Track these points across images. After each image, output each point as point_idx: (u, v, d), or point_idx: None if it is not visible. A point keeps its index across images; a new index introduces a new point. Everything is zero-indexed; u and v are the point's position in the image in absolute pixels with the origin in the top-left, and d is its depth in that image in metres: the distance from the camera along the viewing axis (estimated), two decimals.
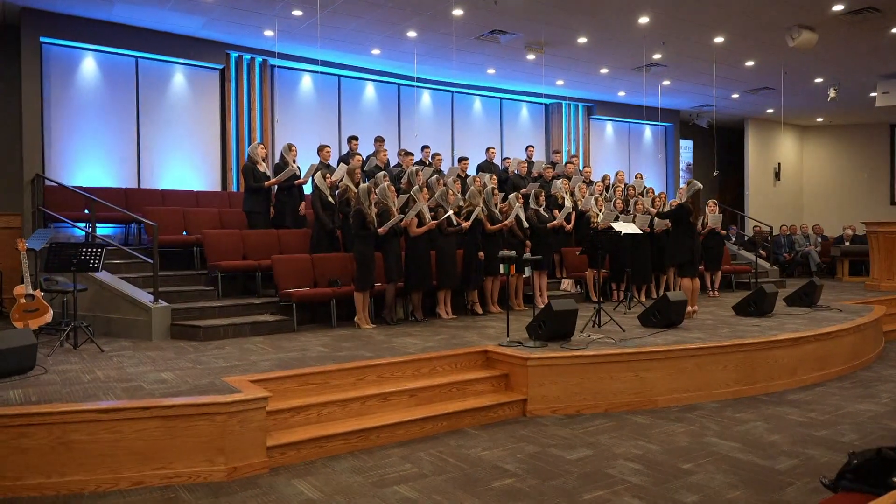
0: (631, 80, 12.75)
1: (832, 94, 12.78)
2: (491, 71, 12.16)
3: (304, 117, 11.68)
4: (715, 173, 12.97)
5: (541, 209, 9.42)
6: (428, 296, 8.28)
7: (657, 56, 11.10)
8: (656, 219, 10.10)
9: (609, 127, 15.42)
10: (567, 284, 10.24)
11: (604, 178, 11.89)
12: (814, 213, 18.01)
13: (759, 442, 4.82)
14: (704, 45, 10.42)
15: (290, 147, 8.91)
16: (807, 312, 8.41)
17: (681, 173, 16.45)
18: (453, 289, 8.40)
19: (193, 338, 6.67)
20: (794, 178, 18.23)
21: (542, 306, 9.33)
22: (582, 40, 10.30)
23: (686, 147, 17.01)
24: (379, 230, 7.45)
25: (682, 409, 5.75)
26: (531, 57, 11.04)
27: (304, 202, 9.05)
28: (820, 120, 17.17)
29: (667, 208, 10.73)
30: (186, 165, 10.70)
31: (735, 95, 14.07)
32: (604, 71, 12.15)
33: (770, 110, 15.79)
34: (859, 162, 18.16)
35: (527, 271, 6.36)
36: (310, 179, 8.94)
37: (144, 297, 6.97)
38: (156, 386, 4.67)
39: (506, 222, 8.65)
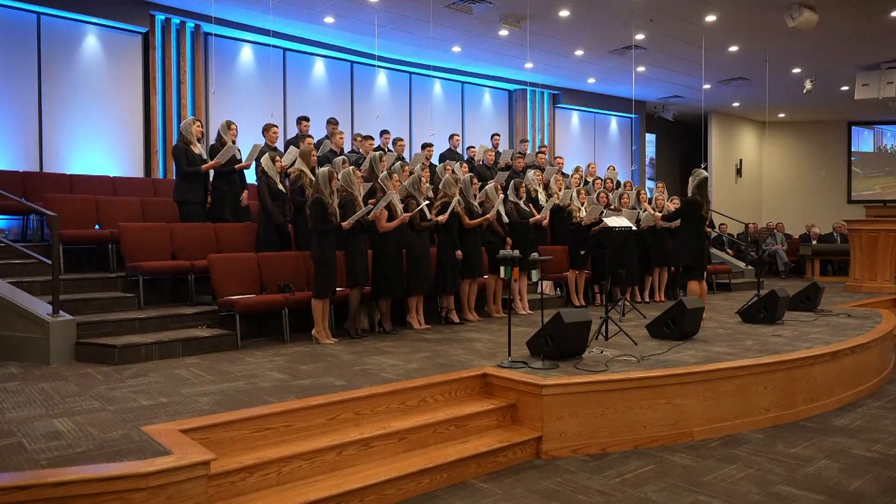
0: (605, 64, 11.82)
1: (808, 85, 12.23)
2: (456, 49, 10.96)
3: (242, 94, 10.18)
4: (702, 166, 12.17)
5: (521, 202, 8.29)
6: (395, 302, 7.02)
7: (640, 36, 10.17)
8: (642, 214, 9.16)
9: (575, 117, 14.49)
10: (546, 287, 9.17)
11: (576, 170, 10.92)
12: (772, 211, 17.68)
13: (844, 491, 3.83)
14: (694, 24, 9.55)
15: (228, 125, 7.46)
16: (814, 318, 7.62)
17: (646, 168, 15.74)
18: (426, 294, 7.17)
19: (106, 360, 5.20)
20: (755, 174, 17.85)
21: (523, 312, 8.29)
22: (564, 13, 9.23)
23: (649, 141, 16.32)
24: (343, 224, 6.15)
25: (723, 442, 4.74)
26: (504, 33, 9.92)
27: (245, 191, 7.62)
28: (782, 115, 16.80)
29: (651, 205, 9.86)
30: (101, 146, 9.05)
31: (707, 86, 13.37)
32: (579, 53, 11.15)
33: (736, 104, 15.24)
34: (817, 159, 17.95)
35: (534, 275, 5.20)
36: (253, 164, 7.55)
37: (41, 307, 5.44)
38: (44, 444, 3.26)
39: (488, 216, 7.49)
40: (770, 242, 15.05)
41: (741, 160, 17.16)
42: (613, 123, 15.23)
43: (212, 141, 7.66)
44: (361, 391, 4.27)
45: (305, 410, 3.95)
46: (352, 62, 11.29)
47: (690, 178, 7.07)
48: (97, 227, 7.20)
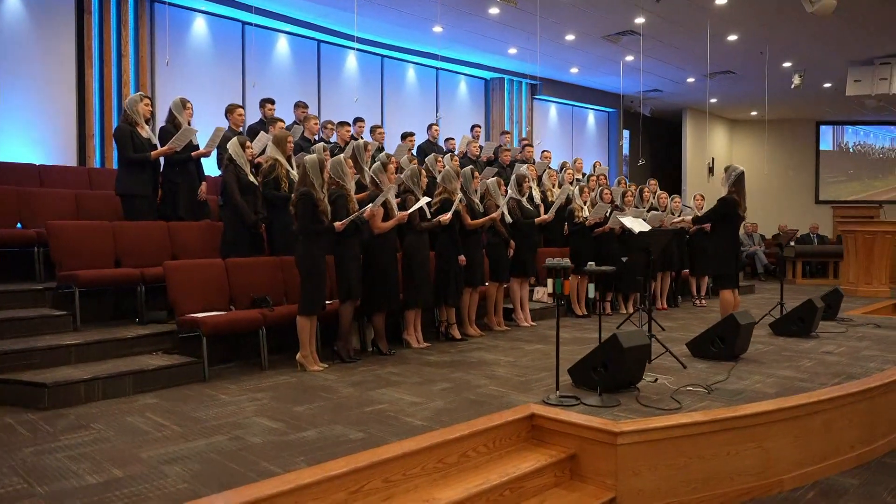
0: (593, 52, 11.01)
1: (797, 80, 11.75)
2: (437, 29, 9.89)
3: (194, 72, 8.87)
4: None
5: (523, 199, 7.33)
6: (388, 316, 5.94)
7: (640, 20, 9.37)
8: (647, 214, 8.35)
9: (553, 109, 13.67)
10: (542, 293, 8.26)
11: (563, 166, 10.07)
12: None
13: None
14: (701, 8, 8.79)
15: (183, 104, 6.22)
16: (844, 329, 6.95)
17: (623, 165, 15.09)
18: (427, 306, 6.13)
19: (33, 404, 3.94)
20: None
21: (526, 324, 7.33)
22: None
23: (623, 137, 15.70)
24: (336, 225, 5.04)
25: (819, 491, 3.90)
26: (494, 11, 8.94)
27: (204, 183, 6.39)
28: (754, 114, 16.46)
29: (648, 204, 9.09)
30: (25, 128, 7.60)
31: (691, 79, 12.76)
32: (569, 37, 10.28)
33: (713, 100, 14.74)
34: (785, 159, 17.74)
35: (591, 290, 4.24)
36: (214, 150, 6.34)
37: None
38: None
39: (493, 215, 6.51)
40: (747, 243, 14.63)
41: (713, 159, 16.75)
42: (591, 117, 14.50)
43: (161, 122, 6.36)
44: (389, 449, 3.20)
45: (323, 484, 2.86)
46: (319, 41, 10.09)
47: (725, 174, 6.27)
48: (19, 225, 5.85)
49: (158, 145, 5.98)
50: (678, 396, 4.16)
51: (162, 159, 6.05)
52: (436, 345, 6.07)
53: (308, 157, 5.02)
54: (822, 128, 18.32)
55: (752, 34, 10.00)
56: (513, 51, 10.99)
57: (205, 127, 6.34)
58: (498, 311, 7.03)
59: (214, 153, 6.43)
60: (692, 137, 16.07)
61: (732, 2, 8.64)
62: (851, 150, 18.60)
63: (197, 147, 6.24)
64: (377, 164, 5.75)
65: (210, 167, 6.66)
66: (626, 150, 15.81)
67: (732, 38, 10.22)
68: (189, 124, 6.20)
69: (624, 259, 5.98)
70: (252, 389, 4.40)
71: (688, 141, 15.95)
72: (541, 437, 3.83)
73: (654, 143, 16.89)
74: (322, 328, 5.41)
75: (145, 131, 5.95)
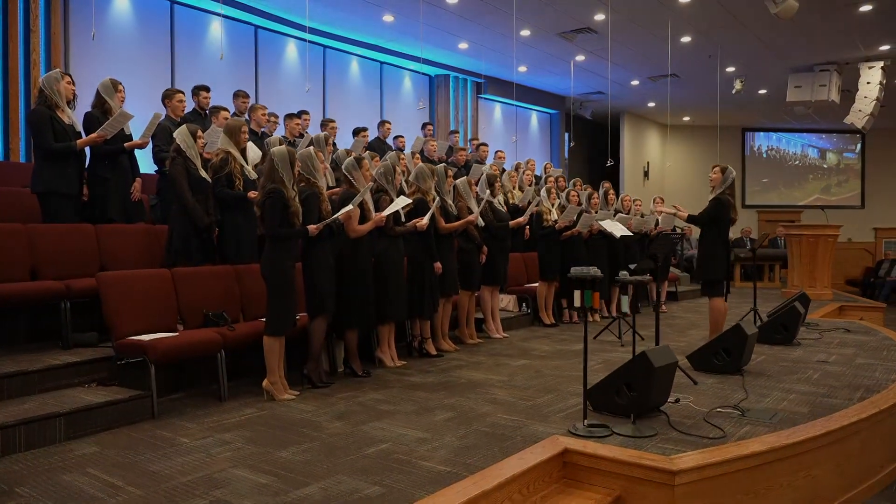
0: (545, 50, 10.66)
1: (738, 86, 11.86)
2: (388, 18, 9.23)
3: (115, 55, 7.78)
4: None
5: (495, 201, 6.80)
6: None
7: (599, 17, 9.06)
8: (614, 216, 8.02)
9: (498, 109, 13.25)
10: (508, 302, 7.77)
11: (517, 167, 9.67)
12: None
13: None
14: (666, 5, 8.56)
15: (114, 86, 5.28)
16: (818, 336, 6.82)
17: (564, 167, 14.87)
18: (403, 319, 5.49)
19: None
20: (658, 177, 17.69)
21: (498, 336, 6.79)
22: None
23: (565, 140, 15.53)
24: (310, 228, 4.32)
25: None
26: (452, 1, 8.36)
27: (138, 179, 5.46)
28: (687, 119, 16.69)
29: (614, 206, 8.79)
30: None
31: (635, 82, 12.66)
32: (525, 33, 9.86)
33: (651, 104, 14.78)
34: (713, 164, 18.14)
35: (624, 303, 3.73)
36: (150, 141, 5.45)
37: None
38: None
39: (470, 218, 5.94)
40: (686, 247, 14.73)
41: (648, 163, 16.88)
42: (534, 119, 14.20)
43: (90, 107, 5.32)
44: None
45: None
46: (256, 27, 9.20)
47: (721, 175, 6.06)
48: None
49: (83, 133, 5.03)
50: (715, 420, 3.73)
51: (88, 151, 5.10)
52: (411, 362, 5.43)
53: (276, 150, 4.28)
54: (746, 133, 18.93)
55: (706, 36, 9.94)
56: (463, 45, 10.48)
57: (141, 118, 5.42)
58: (470, 323, 6.46)
59: (150, 146, 5.54)
60: (629, 141, 16.09)
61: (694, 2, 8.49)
62: (765, 155, 19.29)
63: (129, 137, 5.32)
64: (350, 160, 5.06)
65: (144, 162, 5.72)
66: (565, 152, 15.64)
67: (686, 39, 10.13)
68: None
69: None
70: (217, 428, 3.62)
71: (625, 145, 15.96)
72: (575, 475, 3.28)
73: (593, 145, 16.86)
74: (286, 347, 4.66)
75: (67, 116, 4.99)
